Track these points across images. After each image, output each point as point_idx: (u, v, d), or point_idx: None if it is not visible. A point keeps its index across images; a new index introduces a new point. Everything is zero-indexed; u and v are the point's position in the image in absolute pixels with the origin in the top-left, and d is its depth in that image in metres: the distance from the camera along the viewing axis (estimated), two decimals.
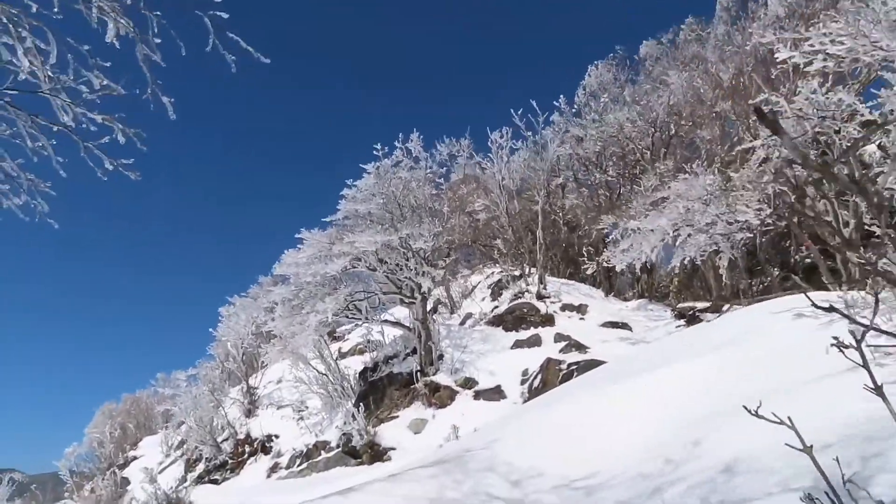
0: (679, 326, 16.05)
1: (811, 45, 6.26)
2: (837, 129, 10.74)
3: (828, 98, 10.55)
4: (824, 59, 6.08)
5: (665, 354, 7.60)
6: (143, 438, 27.68)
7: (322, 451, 14.63)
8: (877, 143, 15.40)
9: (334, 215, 14.79)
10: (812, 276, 17.16)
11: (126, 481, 20.95)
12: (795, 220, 11.67)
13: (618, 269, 13.59)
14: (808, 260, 20.04)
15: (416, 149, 16.60)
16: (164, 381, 28.09)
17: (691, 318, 16.02)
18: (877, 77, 14.20)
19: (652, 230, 11.37)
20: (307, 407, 17.90)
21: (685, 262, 12.96)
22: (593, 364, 12.27)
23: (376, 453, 13.06)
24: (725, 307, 16.10)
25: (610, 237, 16.51)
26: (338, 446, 14.33)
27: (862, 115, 10.45)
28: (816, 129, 10.92)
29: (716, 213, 10.46)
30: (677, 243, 11.58)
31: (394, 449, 13.06)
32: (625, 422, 5.10)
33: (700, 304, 17.21)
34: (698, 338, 8.00)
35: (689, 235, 10.79)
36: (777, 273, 17.25)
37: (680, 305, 17.94)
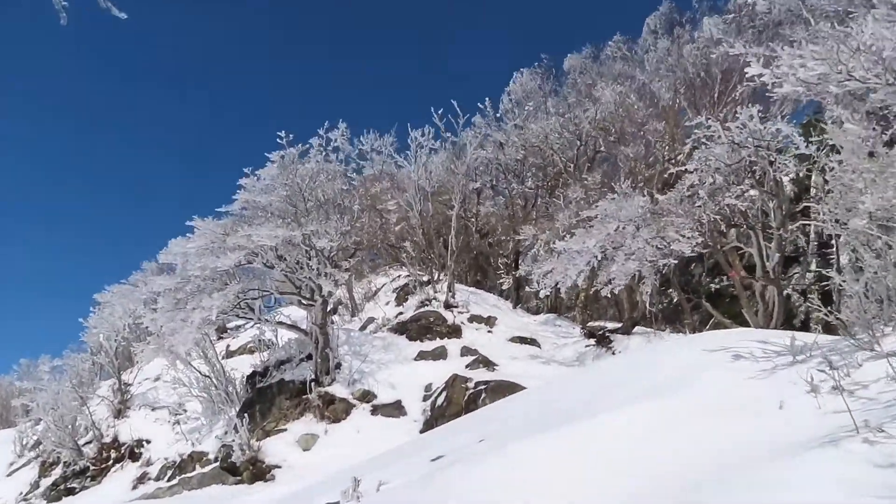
0: (588, 346, 15.63)
1: (779, 66, 5.60)
2: (773, 159, 10.44)
3: (765, 127, 10.23)
4: (795, 83, 5.42)
5: (592, 393, 6.81)
6: None
7: (198, 465, 13.10)
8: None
9: (230, 205, 13.29)
10: (717, 302, 17.21)
11: None
12: (720, 248, 11.31)
13: (541, 294, 12.87)
14: (713, 286, 20.32)
15: (340, 140, 15.33)
16: (27, 368, 25.27)
17: (601, 339, 15.64)
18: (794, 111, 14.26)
19: (578, 252, 10.68)
20: (185, 410, 16.20)
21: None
22: (503, 386, 11.47)
23: (259, 471, 11.71)
24: (635, 329, 15.93)
25: (531, 251, 15.82)
26: (216, 459, 12.86)
27: (797, 147, 10.19)
28: (751, 158, 10.60)
29: (647, 238, 9.88)
30: (602, 267, 10.96)
31: (279, 467, 11.77)
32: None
33: (610, 325, 16.90)
34: (628, 375, 7.26)
35: (624, 260, 10.15)
36: (686, 298, 17.18)
37: (590, 324, 17.57)
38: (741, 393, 5.90)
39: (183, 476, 12.63)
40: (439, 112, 18.90)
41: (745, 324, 14.08)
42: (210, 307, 12.04)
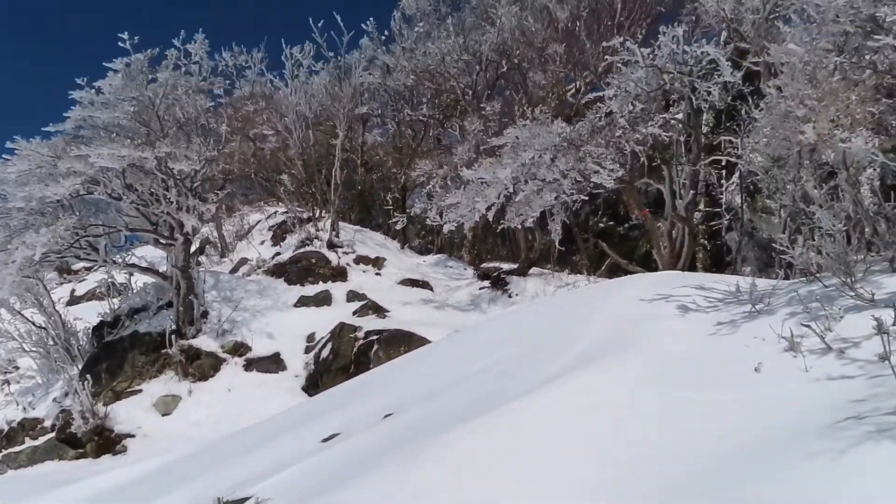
0: (483, 288, 14.71)
1: None
2: (695, 86, 9.54)
3: (690, 49, 9.28)
4: None
5: (520, 352, 5.61)
6: None
7: (29, 435, 10.91)
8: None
9: (61, 124, 10.76)
10: (606, 241, 16.65)
11: None
12: (629, 182, 10.45)
13: (445, 230, 11.58)
14: (600, 225, 19.84)
15: (199, 53, 12.86)
16: None
17: (496, 281, 14.77)
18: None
19: (488, 182, 9.40)
20: (17, 368, 13.70)
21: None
22: (399, 337, 10.17)
23: (107, 442, 9.83)
24: (531, 270, 15.11)
25: (426, 187, 14.38)
26: (53, 427, 10.77)
27: (720, 73, 9.34)
28: (671, 85, 9.66)
29: (565, 169, 8.75)
30: (511, 201, 9.77)
31: (132, 436, 9.94)
32: None
33: (504, 265, 16.03)
34: (556, 330, 6.11)
35: (539, 191, 8.98)
36: (586, 238, 16.59)
37: (483, 265, 16.61)
38: (703, 354, 4.87)
39: (9, 451, 10.44)
40: (320, 25, 16.65)
41: (640, 264, 13.66)
42: (34, 244, 9.72)
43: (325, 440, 5.23)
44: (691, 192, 10.41)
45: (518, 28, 15.78)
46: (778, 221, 10.78)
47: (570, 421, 3.74)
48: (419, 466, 3.31)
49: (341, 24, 16.65)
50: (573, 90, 16.24)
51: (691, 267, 13.47)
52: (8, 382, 13.25)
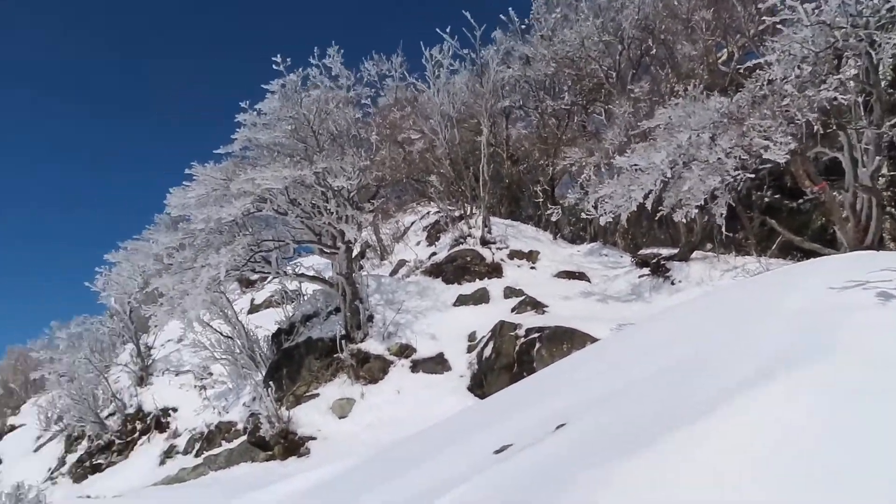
0: (643, 276, 14.06)
1: None
2: (872, 39, 8.44)
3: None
4: None
5: (696, 354, 5.24)
6: (27, 400, 24.14)
7: (225, 437, 11.98)
8: None
9: (230, 146, 11.65)
10: (774, 217, 15.25)
11: None
12: (801, 153, 9.47)
13: (602, 221, 11.21)
14: (765, 199, 18.24)
15: (335, 66, 13.45)
16: (58, 329, 24.53)
17: (656, 267, 14.05)
18: None
19: (643, 169, 8.92)
20: (211, 374, 15.11)
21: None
22: (560, 334, 9.95)
23: (291, 444, 10.53)
24: (693, 254, 14.25)
25: (578, 176, 14.00)
26: (244, 430, 11.73)
27: None
28: (846, 41, 8.62)
29: (728, 147, 8.09)
30: (670, 186, 9.20)
31: (313, 438, 10.56)
32: None
33: (664, 251, 15.25)
34: (735, 324, 5.64)
35: (701, 175, 8.39)
36: (751, 216, 15.36)
37: (642, 252, 15.91)
38: None
39: (209, 453, 11.51)
40: (447, 30, 16.70)
41: (815, 240, 12.35)
42: (218, 264, 10.61)
43: (497, 452, 5.18)
44: (876, 158, 9.26)
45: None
46: None
47: (776, 441, 3.37)
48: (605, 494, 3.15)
49: (472, 21, 16.60)
50: (723, 57, 15.09)
51: (880, 241, 12.04)
52: (204, 388, 14.66)
